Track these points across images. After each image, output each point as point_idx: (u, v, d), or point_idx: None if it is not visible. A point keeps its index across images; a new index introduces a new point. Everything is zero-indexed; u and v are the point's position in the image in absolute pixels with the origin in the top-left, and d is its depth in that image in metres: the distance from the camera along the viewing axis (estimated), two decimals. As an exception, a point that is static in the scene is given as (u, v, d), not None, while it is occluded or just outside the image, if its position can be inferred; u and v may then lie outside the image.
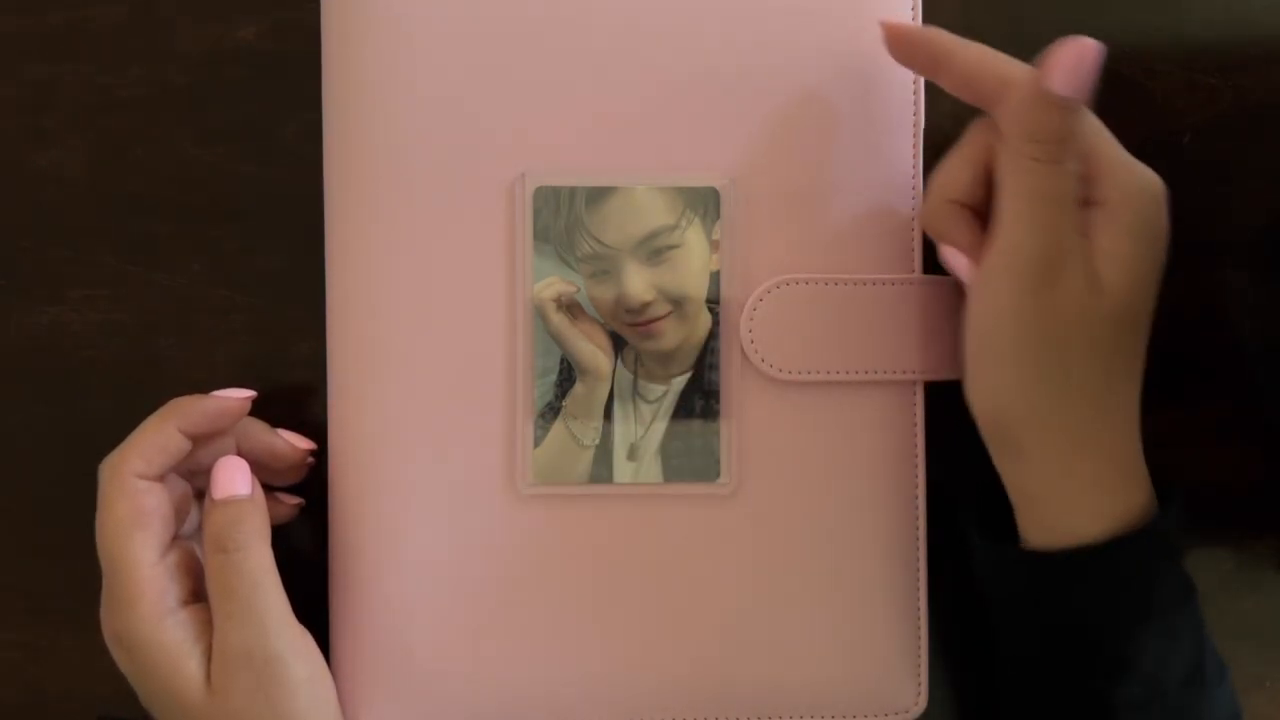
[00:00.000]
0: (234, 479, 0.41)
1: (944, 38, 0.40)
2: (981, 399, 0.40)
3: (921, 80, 0.43)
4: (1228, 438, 0.47)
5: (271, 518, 0.42)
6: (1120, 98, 0.46)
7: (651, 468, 0.43)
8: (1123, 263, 0.38)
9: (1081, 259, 0.38)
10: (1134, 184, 0.39)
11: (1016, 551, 0.41)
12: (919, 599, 0.44)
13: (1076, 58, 0.37)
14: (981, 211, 0.41)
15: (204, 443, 0.42)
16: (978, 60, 0.40)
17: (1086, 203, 0.39)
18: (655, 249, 0.43)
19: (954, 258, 0.40)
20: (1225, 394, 0.47)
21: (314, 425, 0.44)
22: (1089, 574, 0.39)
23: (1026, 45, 0.46)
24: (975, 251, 0.40)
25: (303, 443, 0.44)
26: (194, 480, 0.43)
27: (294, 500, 0.45)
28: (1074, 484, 0.39)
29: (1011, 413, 0.39)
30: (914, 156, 0.44)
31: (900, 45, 0.41)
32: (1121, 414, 0.40)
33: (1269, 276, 0.47)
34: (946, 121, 0.43)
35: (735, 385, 0.43)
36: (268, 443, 0.43)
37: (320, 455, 0.44)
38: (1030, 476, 0.40)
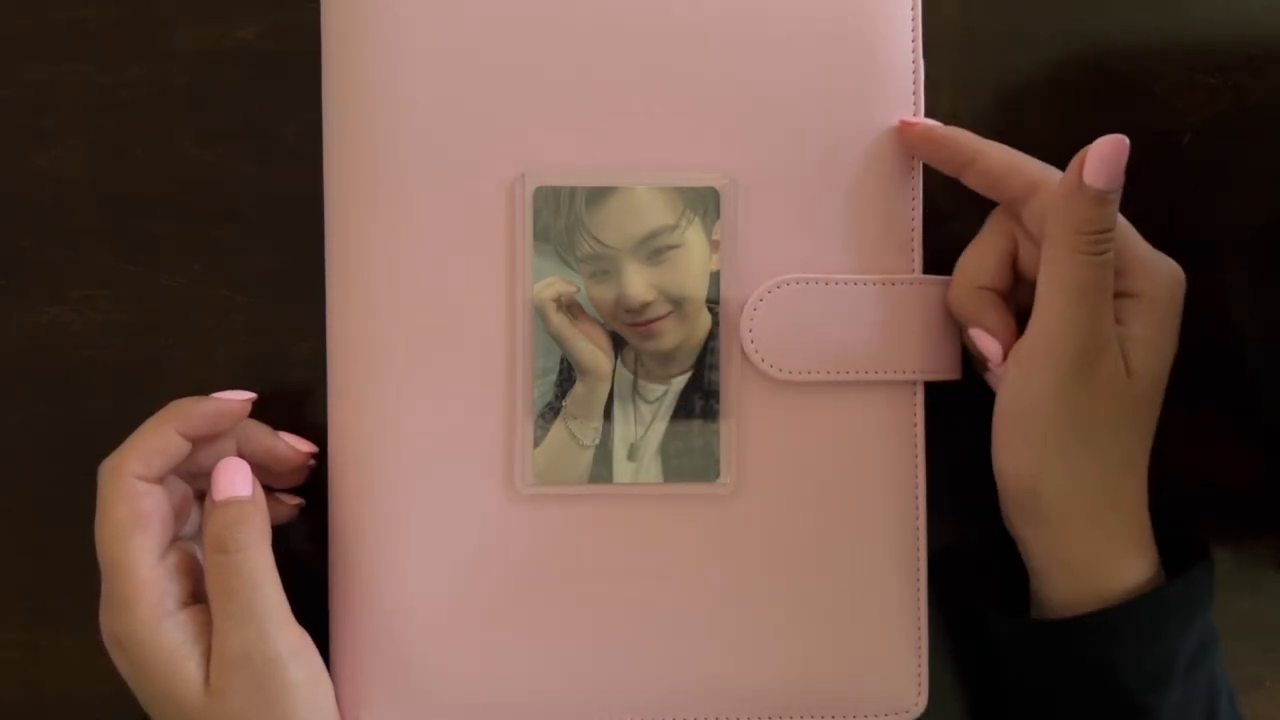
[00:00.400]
0: (235, 480, 0.41)
1: (967, 139, 0.42)
2: (1013, 473, 0.41)
3: (921, 80, 0.43)
4: (1228, 438, 0.47)
5: (272, 518, 0.42)
6: (1120, 98, 0.46)
7: (651, 468, 0.43)
8: (1154, 348, 0.41)
9: (1117, 345, 0.40)
10: (1163, 276, 0.41)
11: (1049, 622, 0.42)
12: (919, 599, 0.44)
13: (1112, 152, 0.38)
14: (1006, 294, 0.42)
15: (204, 445, 0.42)
16: (1002, 161, 0.42)
17: (1117, 294, 0.40)
18: (655, 249, 0.43)
19: (983, 340, 0.42)
20: (1225, 394, 0.47)
21: (314, 425, 0.45)
22: (1122, 632, 0.40)
23: (1026, 45, 0.46)
24: (1004, 333, 0.42)
25: (304, 445, 0.44)
26: (194, 482, 0.43)
27: (294, 501, 0.45)
28: (1101, 546, 0.41)
29: (1043, 485, 0.41)
30: (914, 156, 0.44)
31: (923, 145, 0.43)
32: (1137, 476, 0.41)
33: (1269, 276, 0.47)
34: (946, 121, 0.43)
35: (735, 385, 0.43)
36: (269, 445, 0.43)
37: (320, 455, 0.44)
38: (1057, 542, 0.41)
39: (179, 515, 0.42)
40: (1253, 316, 0.47)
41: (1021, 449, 0.41)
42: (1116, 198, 0.39)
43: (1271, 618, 0.47)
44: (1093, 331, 0.39)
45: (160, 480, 0.41)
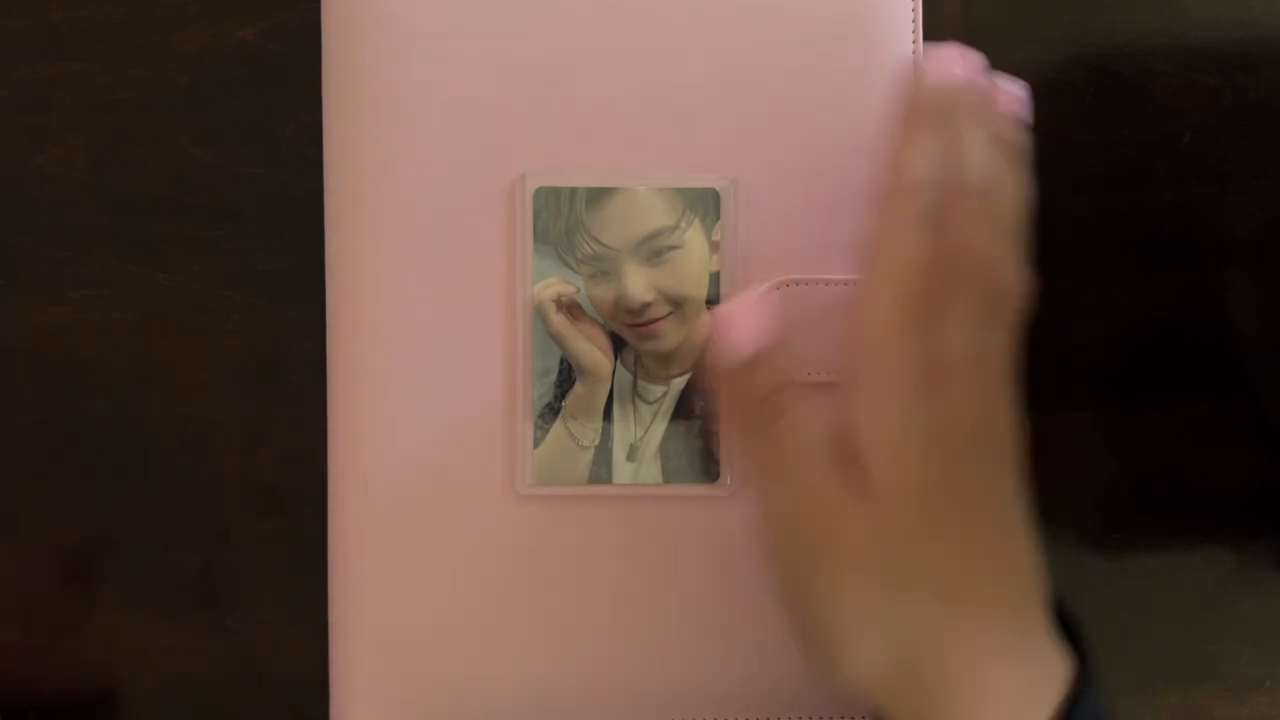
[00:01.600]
0: None
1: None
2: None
3: (921, 80, 0.43)
4: (1228, 438, 0.47)
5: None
6: (1120, 98, 0.46)
7: (651, 469, 0.43)
8: (889, 455, 0.35)
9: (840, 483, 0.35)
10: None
11: None
12: (919, 599, 0.44)
13: (742, 316, 0.35)
14: None
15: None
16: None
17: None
18: (655, 250, 0.43)
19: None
20: (1225, 394, 0.47)
21: (314, 426, 0.45)
22: None
23: (1026, 45, 0.46)
24: None
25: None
26: None
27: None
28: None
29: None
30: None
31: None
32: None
33: (1269, 276, 0.47)
34: (946, 122, 0.43)
35: (735, 386, 0.43)
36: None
37: (319, 455, 0.44)
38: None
39: None
40: (1253, 316, 0.47)
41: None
42: (768, 353, 0.35)
43: (1271, 618, 0.47)
44: (810, 514, 0.35)
45: None
